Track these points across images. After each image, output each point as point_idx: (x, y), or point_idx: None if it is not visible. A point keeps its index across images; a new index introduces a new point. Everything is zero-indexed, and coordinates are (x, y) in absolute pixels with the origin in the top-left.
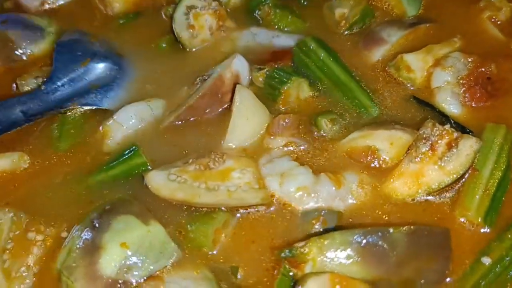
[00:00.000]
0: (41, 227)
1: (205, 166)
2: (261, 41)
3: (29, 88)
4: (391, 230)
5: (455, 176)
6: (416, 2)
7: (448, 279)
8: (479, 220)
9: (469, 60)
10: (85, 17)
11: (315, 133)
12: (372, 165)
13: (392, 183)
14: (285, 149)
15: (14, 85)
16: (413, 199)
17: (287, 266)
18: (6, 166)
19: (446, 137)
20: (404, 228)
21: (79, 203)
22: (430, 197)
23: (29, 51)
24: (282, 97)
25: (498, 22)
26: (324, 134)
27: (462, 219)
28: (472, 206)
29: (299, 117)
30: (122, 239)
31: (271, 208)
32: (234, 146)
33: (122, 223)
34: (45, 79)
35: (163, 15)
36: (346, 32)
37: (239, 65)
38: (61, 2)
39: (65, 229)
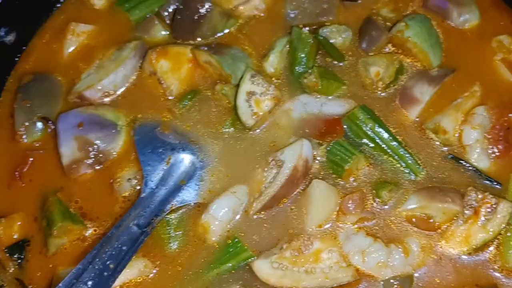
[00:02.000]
0: None
1: (298, 250)
2: (312, 111)
3: (128, 193)
4: None
5: (494, 233)
6: (438, 51)
7: None
8: None
9: (491, 113)
10: (147, 103)
11: (378, 204)
12: (427, 228)
13: (446, 244)
14: (357, 225)
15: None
16: (463, 256)
17: None
18: (135, 275)
19: (487, 204)
20: None
21: None
22: (477, 253)
23: (112, 150)
24: (345, 173)
25: None
26: (385, 206)
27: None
28: (510, 259)
29: (363, 193)
30: None
31: (361, 285)
32: (316, 229)
33: None
34: (137, 180)
35: (219, 93)
36: (383, 94)
37: (307, 152)
38: (121, 90)
39: None
